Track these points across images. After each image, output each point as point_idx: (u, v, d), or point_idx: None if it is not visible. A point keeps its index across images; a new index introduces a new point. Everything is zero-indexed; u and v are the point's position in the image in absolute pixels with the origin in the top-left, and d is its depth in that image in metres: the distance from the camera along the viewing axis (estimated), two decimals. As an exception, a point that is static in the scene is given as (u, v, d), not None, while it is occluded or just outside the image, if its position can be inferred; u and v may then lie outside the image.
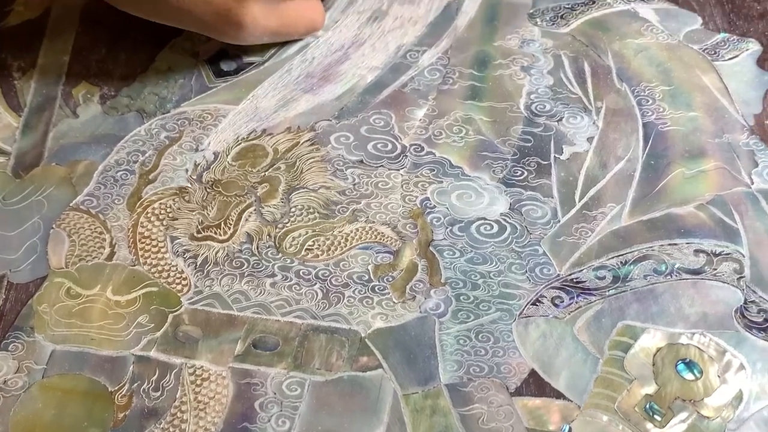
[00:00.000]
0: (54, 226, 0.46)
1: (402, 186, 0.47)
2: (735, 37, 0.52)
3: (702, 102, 0.49)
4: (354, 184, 0.47)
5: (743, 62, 0.51)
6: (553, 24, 0.53)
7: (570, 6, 0.53)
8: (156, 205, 0.46)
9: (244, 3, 0.47)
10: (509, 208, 0.46)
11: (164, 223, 0.46)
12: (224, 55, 0.52)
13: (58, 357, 0.42)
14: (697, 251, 0.44)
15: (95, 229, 0.45)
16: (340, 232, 0.45)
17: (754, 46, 0.51)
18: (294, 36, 0.51)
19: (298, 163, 0.48)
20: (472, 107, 0.50)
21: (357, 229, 0.45)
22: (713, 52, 0.51)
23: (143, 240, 0.45)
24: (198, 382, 0.41)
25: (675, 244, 0.44)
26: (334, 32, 0.53)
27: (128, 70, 0.51)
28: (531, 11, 0.53)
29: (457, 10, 0.53)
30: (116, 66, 0.51)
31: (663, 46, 0.51)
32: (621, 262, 0.44)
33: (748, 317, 0.42)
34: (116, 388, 0.41)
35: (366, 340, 0.42)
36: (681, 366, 0.41)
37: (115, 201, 0.46)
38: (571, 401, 0.40)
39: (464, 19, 0.53)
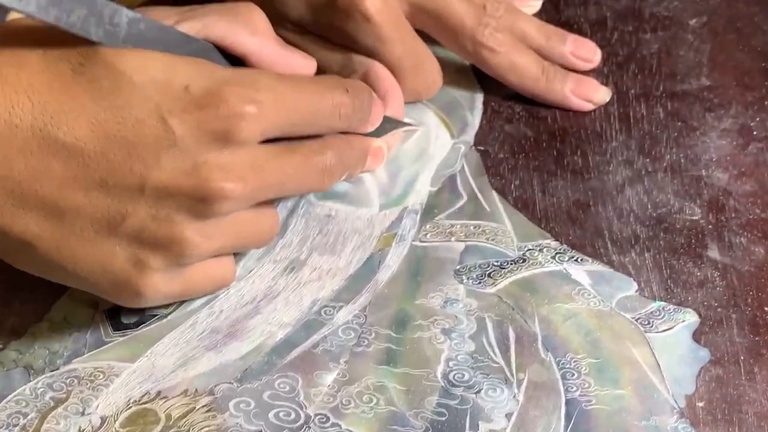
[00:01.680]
0: None
1: (300, 463, 0.43)
2: (671, 306, 0.48)
3: (630, 378, 0.45)
4: (247, 460, 0.43)
5: (678, 334, 0.47)
6: (480, 283, 0.50)
7: (499, 264, 0.50)
8: (25, 478, 0.42)
9: (144, 272, 0.44)
10: (414, 495, 0.42)
11: (29, 502, 0.42)
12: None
13: None
14: None
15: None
16: None
17: (691, 318, 0.48)
18: (200, 295, 0.48)
19: (189, 433, 0.44)
20: (386, 373, 0.46)
21: None
22: (647, 322, 0.48)
23: None
24: None
25: None
26: (247, 282, 0.50)
27: (21, 320, 0.48)
28: (458, 267, 0.50)
29: (379, 263, 0.51)
30: (8, 316, 0.48)
31: (594, 312, 0.48)
32: None
33: None
34: None
35: None
36: None
37: (-18, 473, 0.43)
38: None
39: (386, 274, 0.50)
